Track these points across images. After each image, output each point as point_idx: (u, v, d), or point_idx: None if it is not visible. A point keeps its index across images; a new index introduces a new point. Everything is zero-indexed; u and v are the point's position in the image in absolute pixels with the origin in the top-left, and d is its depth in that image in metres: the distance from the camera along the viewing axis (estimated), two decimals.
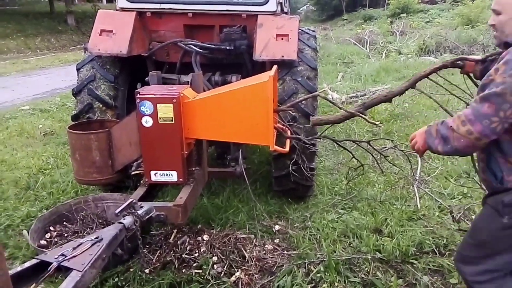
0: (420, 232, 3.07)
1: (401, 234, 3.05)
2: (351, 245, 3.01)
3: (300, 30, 3.46)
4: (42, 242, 2.71)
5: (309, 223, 3.28)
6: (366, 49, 14.49)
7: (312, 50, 3.46)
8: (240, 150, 3.25)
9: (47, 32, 21.22)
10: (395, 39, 16.55)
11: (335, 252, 2.88)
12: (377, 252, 2.89)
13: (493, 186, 1.85)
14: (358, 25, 23.67)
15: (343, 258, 2.78)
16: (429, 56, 12.56)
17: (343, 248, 2.97)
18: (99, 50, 3.26)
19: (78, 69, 3.48)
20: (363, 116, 2.38)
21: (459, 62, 2.30)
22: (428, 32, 15.46)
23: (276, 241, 3.07)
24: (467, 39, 13.23)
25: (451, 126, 1.75)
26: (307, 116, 3.16)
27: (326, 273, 2.63)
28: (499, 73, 1.64)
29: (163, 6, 3.48)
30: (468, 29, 16.39)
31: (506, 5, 1.74)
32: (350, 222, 3.23)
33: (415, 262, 2.79)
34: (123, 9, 3.46)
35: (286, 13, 4.19)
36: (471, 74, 2.30)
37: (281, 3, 3.57)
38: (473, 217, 3.18)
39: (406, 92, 2.37)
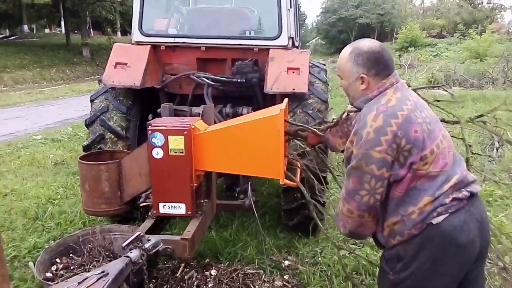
0: None
1: None
2: (364, 282, 2.91)
3: (310, 64, 3.50)
4: (48, 274, 2.65)
5: (319, 258, 3.20)
6: None
7: (323, 83, 3.48)
8: (250, 182, 3.22)
9: (62, 63, 21.88)
10: (403, 72, 16.69)
11: None
12: None
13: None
14: None
15: None
16: (438, 89, 12.61)
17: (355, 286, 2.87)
18: (113, 82, 3.32)
19: (92, 101, 3.52)
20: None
21: (300, 132, 2.52)
22: (437, 65, 15.62)
23: (286, 277, 2.98)
24: (476, 73, 13.32)
25: (340, 208, 1.69)
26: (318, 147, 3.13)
27: None
28: (354, 145, 1.63)
29: (177, 40, 3.57)
30: (476, 62, 16.52)
31: (343, 73, 1.79)
32: (362, 258, 3.14)
33: None
34: (138, 43, 3.55)
35: (297, 47, 4.26)
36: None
37: (292, 38, 3.63)
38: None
39: None
